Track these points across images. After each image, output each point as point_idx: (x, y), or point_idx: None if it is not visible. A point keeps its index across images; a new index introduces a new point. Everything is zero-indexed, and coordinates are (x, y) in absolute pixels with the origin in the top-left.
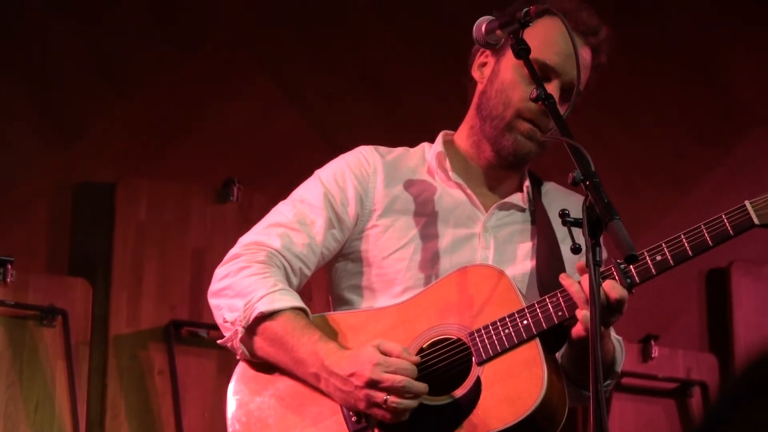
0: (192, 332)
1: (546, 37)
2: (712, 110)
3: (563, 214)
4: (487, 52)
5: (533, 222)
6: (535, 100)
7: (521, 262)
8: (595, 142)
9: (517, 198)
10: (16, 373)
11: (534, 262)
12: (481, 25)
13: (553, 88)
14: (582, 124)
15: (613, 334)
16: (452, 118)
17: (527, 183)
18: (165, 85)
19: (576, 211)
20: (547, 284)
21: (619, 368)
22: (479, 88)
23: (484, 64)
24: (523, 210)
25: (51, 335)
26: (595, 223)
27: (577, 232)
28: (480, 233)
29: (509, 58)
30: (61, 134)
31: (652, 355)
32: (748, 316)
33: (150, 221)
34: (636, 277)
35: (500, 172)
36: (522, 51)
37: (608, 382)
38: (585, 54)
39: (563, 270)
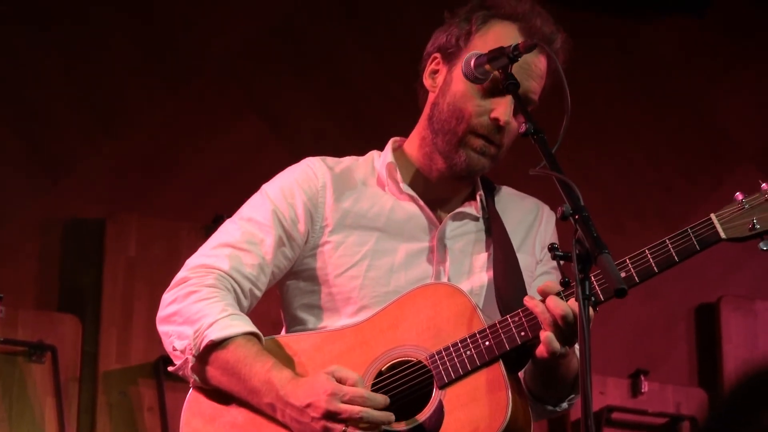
0: None
1: (498, 47)
2: (700, 147)
3: (552, 248)
4: (439, 59)
5: (488, 231)
6: (524, 134)
7: (478, 274)
8: (584, 178)
9: (471, 207)
10: (5, 410)
11: (491, 274)
12: (470, 60)
13: (504, 104)
14: (571, 160)
15: (576, 348)
16: None
17: (480, 191)
18: (154, 122)
19: (530, 215)
20: (506, 296)
21: None
22: (431, 98)
23: (436, 72)
24: (476, 219)
25: (40, 371)
26: (584, 257)
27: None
28: (435, 246)
29: (461, 68)
30: (51, 171)
31: (642, 390)
32: (738, 350)
33: (139, 257)
34: (600, 295)
35: (452, 183)
36: (511, 86)
37: (572, 396)
38: (538, 63)
39: (521, 280)
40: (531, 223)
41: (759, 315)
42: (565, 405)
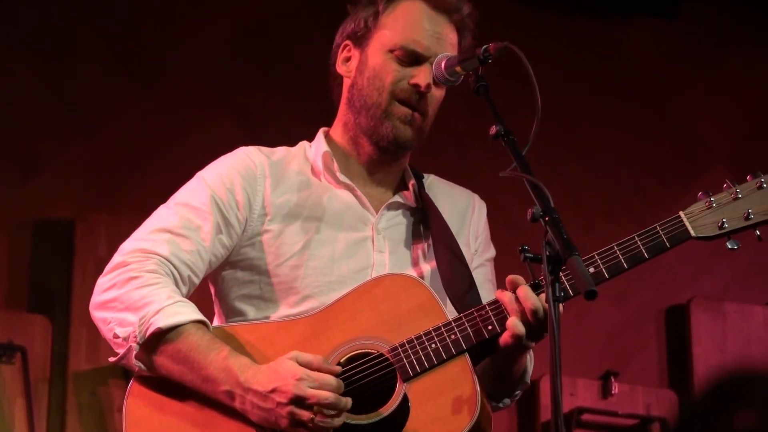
0: None
1: (409, 20)
2: (672, 148)
3: (523, 250)
4: (350, 45)
5: (424, 220)
6: (494, 137)
7: (419, 264)
8: (554, 179)
9: (405, 196)
10: None
11: (433, 263)
12: (441, 62)
13: (424, 71)
14: (542, 160)
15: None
16: (413, 156)
17: (412, 180)
18: (125, 121)
19: (462, 204)
20: (454, 286)
21: (528, 378)
22: (347, 83)
23: (348, 59)
24: (411, 208)
25: (10, 372)
26: (554, 258)
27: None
28: (372, 236)
29: (375, 45)
30: (20, 170)
31: (612, 392)
32: (708, 352)
33: (109, 257)
34: (570, 291)
35: (382, 167)
36: (481, 88)
37: (517, 392)
38: (449, 32)
39: (466, 268)
40: (464, 213)
41: (728, 317)
42: (508, 401)
